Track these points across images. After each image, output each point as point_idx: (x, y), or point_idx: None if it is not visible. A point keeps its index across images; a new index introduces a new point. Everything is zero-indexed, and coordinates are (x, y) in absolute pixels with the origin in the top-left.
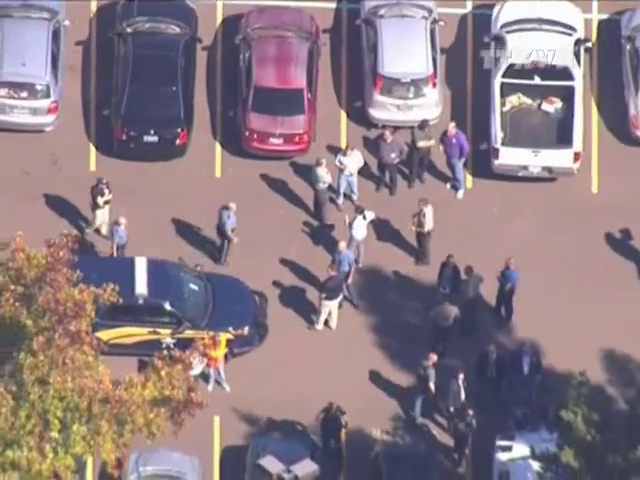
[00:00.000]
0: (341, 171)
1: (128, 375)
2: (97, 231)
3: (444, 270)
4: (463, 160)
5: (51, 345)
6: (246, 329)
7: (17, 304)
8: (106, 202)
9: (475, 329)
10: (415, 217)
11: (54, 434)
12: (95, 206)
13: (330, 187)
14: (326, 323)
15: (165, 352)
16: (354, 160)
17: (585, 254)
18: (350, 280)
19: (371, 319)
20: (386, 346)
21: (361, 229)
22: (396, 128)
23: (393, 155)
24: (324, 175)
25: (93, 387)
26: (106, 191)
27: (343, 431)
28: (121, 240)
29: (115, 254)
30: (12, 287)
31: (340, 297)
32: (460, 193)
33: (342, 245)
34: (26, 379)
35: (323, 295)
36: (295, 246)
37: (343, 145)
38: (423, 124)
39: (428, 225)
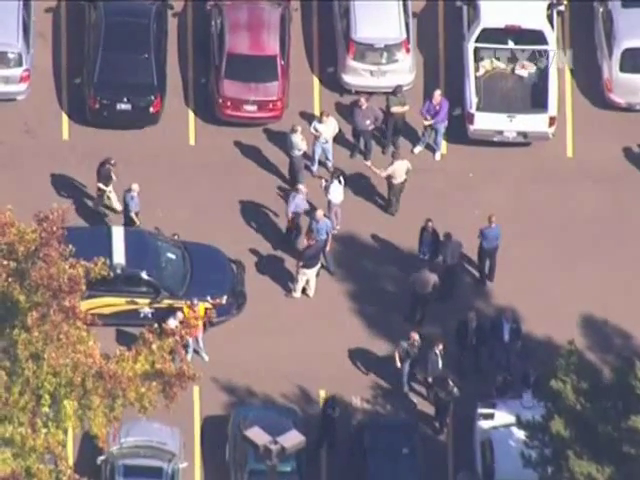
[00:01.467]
0: (316, 138)
1: (118, 349)
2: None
3: (423, 235)
4: (445, 125)
5: (45, 321)
6: (224, 298)
7: (10, 279)
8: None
9: (454, 295)
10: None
11: (45, 409)
12: (103, 187)
13: (305, 154)
14: (304, 291)
15: (156, 325)
16: (329, 127)
17: (561, 218)
18: (328, 248)
19: (349, 286)
20: (364, 314)
21: (338, 193)
22: (370, 94)
23: (368, 122)
24: (299, 142)
25: (87, 362)
26: (113, 174)
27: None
28: (136, 207)
29: (137, 221)
30: (4, 262)
31: (318, 265)
32: (438, 155)
33: (319, 213)
34: (20, 355)
35: (301, 263)
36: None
37: (317, 111)
38: (397, 90)
39: (391, 174)
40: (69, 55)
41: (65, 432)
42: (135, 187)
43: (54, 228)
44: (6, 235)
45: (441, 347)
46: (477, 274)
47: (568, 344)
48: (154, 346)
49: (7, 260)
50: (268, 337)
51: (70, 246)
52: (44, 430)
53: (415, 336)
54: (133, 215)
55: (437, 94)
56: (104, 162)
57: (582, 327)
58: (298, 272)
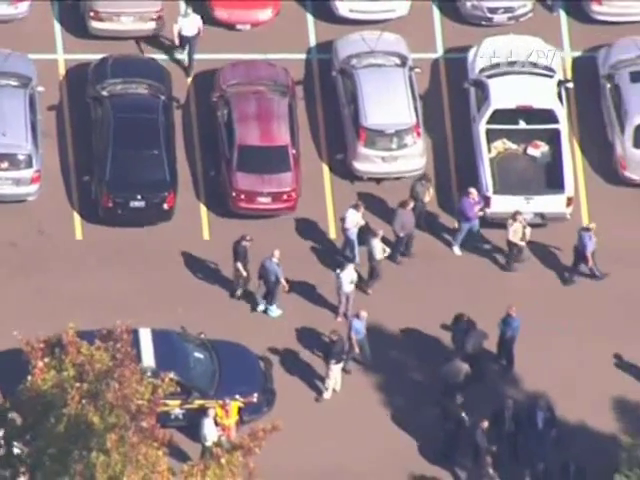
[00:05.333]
0: (350, 228)
1: (185, 465)
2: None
3: (457, 325)
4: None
5: (124, 442)
6: (255, 396)
7: (83, 401)
8: None
9: (483, 383)
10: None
11: None
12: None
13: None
14: None
15: (223, 439)
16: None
17: (585, 300)
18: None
19: (378, 379)
20: (395, 406)
21: (349, 280)
22: (379, 180)
23: (413, 221)
24: (379, 247)
25: None
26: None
27: None
28: (278, 273)
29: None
30: (77, 385)
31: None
32: (457, 249)
33: (364, 313)
34: (99, 478)
35: (333, 361)
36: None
37: (329, 201)
38: (423, 178)
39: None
40: (76, 153)
41: None
42: (277, 253)
43: (128, 348)
44: (70, 354)
45: (486, 425)
46: (503, 361)
47: (629, 437)
48: (223, 460)
49: (79, 382)
50: (299, 433)
51: (141, 364)
52: None
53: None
54: (283, 280)
55: (473, 191)
56: (240, 240)
57: (614, 410)
58: (329, 369)
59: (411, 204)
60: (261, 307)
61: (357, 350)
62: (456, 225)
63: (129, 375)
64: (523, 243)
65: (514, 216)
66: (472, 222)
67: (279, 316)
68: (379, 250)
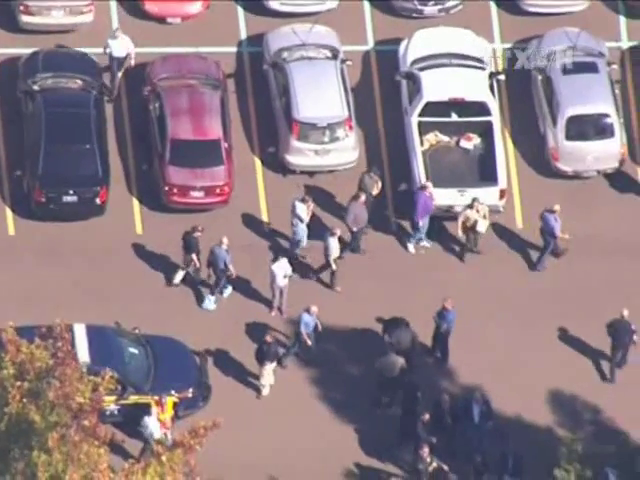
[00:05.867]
0: (301, 221)
1: (127, 463)
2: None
3: (388, 323)
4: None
5: (66, 441)
6: (190, 391)
7: (24, 400)
8: None
9: (415, 373)
10: None
11: None
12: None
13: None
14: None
15: (164, 436)
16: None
17: (519, 292)
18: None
19: (315, 374)
20: (331, 401)
21: (282, 274)
22: (312, 174)
23: (366, 215)
24: (336, 247)
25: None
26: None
27: None
28: (227, 260)
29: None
30: (18, 384)
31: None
32: (411, 247)
33: (314, 308)
34: (41, 477)
35: (267, 362)
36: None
37: (262, 194)
38: (371, 170)
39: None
40: (7, 148)
41: None
42: (225, 240)
43: (68, 347)
44: (9, 353)
45: (427, 417)
46: (437, 354)
47: (569, 432)
48: (163, 457)
49: (20, 381)
50: (236, 430)
51: (81, 362)
52: None
53: (425, 450)
54: (231, 267)
55: (429, 184)
56: (191, 231)
57: (552, 403)
58: (264, 369)
59: (362, 197)
60: (227, 291)
61: (309, 342)
62: (392, 218)
63: (70, 373)
64: (461, 234)
65: (471, 204)
66: (426, 217)
67: (213, 310)
68: (335, 249)
